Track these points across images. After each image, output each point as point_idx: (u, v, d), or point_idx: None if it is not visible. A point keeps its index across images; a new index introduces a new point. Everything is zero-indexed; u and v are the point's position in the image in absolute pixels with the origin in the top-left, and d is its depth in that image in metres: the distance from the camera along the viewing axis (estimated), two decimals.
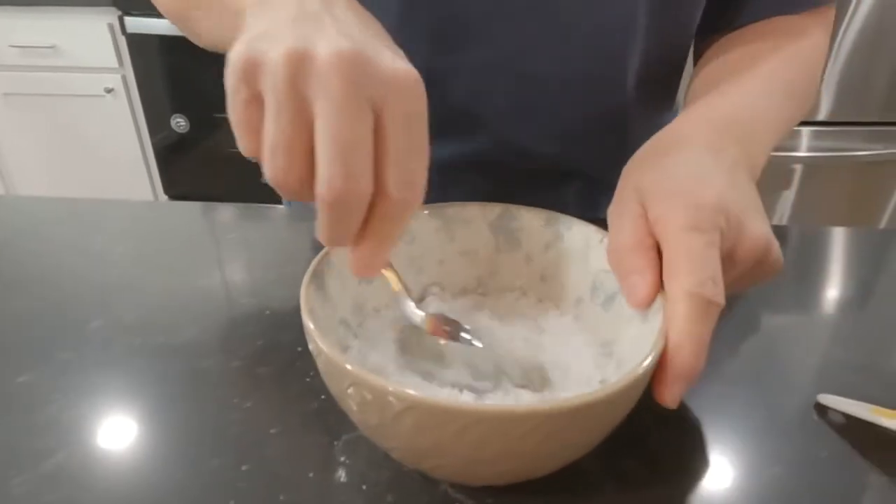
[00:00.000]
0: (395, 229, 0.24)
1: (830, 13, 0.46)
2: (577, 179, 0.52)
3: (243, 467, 0.29)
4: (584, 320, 0.35)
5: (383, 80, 0.22)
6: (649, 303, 0.27)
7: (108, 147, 1.71)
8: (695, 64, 0.49)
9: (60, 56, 1.57)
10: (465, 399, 0.30)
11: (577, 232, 0.34)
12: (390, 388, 0.22)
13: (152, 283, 0.43)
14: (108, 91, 1.60)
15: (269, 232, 0.51)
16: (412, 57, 0.25)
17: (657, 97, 0.52)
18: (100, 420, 0.32)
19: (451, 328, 0.31)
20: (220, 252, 0.47)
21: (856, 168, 1.52)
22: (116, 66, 1.58)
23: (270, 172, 0.23)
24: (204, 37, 0.39)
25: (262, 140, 0.23)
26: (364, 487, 0.28)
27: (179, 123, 1.65)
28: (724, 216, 0.27)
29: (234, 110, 0.23)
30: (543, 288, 0.37)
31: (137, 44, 1.55)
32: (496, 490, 0.28)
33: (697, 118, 0.35)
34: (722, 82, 0.40)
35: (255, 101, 0.23)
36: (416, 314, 0.31)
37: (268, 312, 0.40)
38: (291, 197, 0.23)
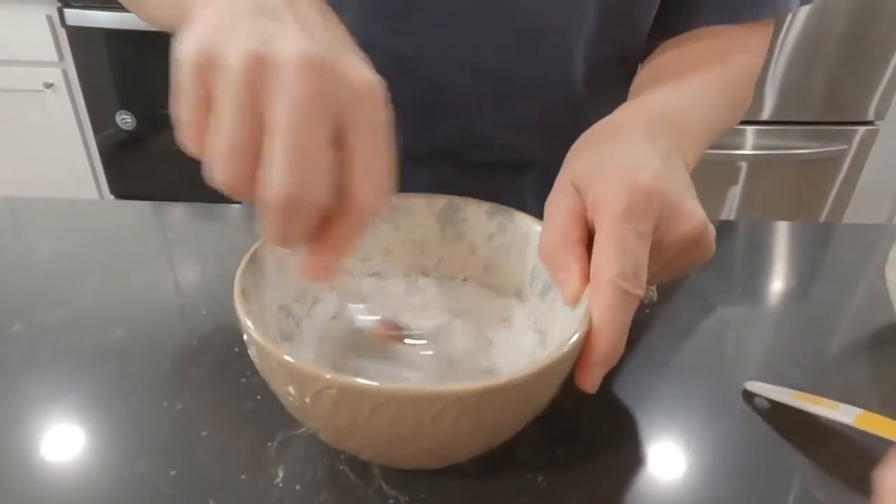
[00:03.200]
0: (357, 235, 0.24)
1: (770, 27, 0.48)
2: (533, 170, 0.53)
3: (171, 472, 0.28)
4: (525, 310, 0.35)
5: (347, 88, 0.22)
6: (579, 297, 0.28)
7: (50, 145, 1.63)
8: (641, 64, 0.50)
9: None
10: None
11: (518, 224, 0.35)
12: (307, 369, 0.23)
13: (81, 283, 0.41)
14: (48, 86, 1.53)
15: (211, 231, 0.50)
16: (373, 46, 0.24)
17: (609, 93, 0.53)
18: (20, 425, 0.30)
19: (397, 333, 0.32)
20: (156, 251, 0.46)
21: (797, 165, 1.59)
22: (56, 60, 1.51)
23: (221, 176, 0.22)
24: (155, 18, 0.38)
25: (212, 142, 0.22)
26: (298, 487, 0.28)
27: (125, 120, 1.59)
28: (659, 200, 0.27)
29: (183, 109, 0.23)
30: (487, 278, 0.37)
31: (79, 37, 1.49)
32: (430, 484, 0.28)
33: (634, 110, 0.36)
34: (661, 81, 0.41)
35: (206, 101, 0.22)
36: (365, 321, 0.32)
37: (204, 312, 0.39)
38: (237, 197, 0.23)
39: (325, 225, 0.23)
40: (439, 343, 0.34)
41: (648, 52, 0.49)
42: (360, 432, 0.24)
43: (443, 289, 0.37)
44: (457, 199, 0.36)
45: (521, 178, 0.54)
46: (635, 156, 0.30)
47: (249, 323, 0.25)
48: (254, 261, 0.30)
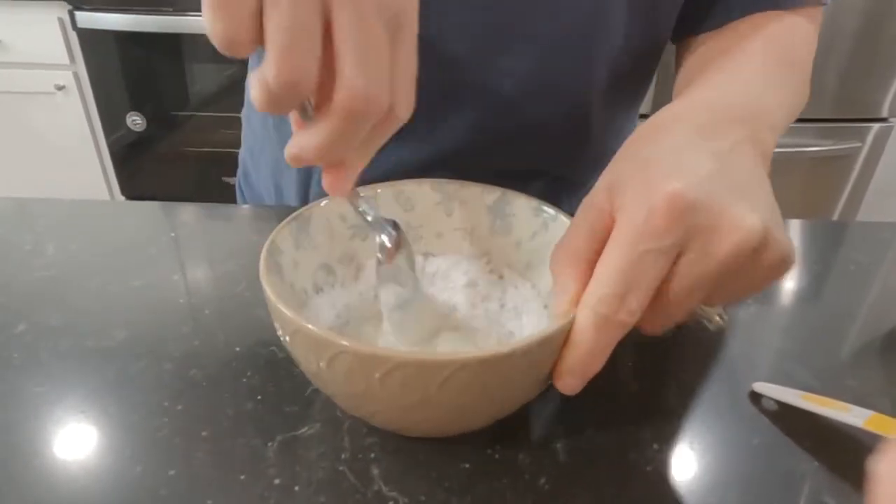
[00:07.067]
0: (378, 146, 0.24)
1: (819, 12, 0.45)
2: (541, 178, 0.52)
3: (170, 472, 0.28)
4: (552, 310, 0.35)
5: None
6: (566, 316, 0.26)
7: (61, 147, 1.65)
8: (676, 65, 0.47)
9: (7, 52, 1.51)
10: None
11: (559, 224, 0.35)
12: (321, 335, 0.24)
13: (84, 284, 0.41)
14: (59, 88, 1.55)
15: (216, 232, 0.50)
16: None
17: (623, 102, 0.52)
18: (21, 425, 0.30)
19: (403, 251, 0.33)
20: (160, 252, 0.46)
21: (810, 163, 1.56)
22: (67, 62, 1.53)
23: (284, 70, 0.20)
24: None
25: (269, 33, 0.20)
26: (297, 489, 0.28)
27: (136, 122, 1.61)
28: (690, 213, 0.24)
29: (224, 9, 0.20)
30: (529, 275, 0.37)
31: (90, 39, 1.50)
32: (429, 486, 0.28)
33: (693, 100, 0.33)
34: (715, 69, 0.38)
35: None
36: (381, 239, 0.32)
37: (207, 312, 0.39)
38: (291, 104, 0.22)
39: None
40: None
41: (679, 55, 0.47)
42: (371, 397, 0.25)
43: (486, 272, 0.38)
44: (509, 193, 0.37)
45: (528, 187, 0.53)
46: (677, 160, 0.27)
47: (266, 281, 0.27)
48: (299, 218, 0.32)
